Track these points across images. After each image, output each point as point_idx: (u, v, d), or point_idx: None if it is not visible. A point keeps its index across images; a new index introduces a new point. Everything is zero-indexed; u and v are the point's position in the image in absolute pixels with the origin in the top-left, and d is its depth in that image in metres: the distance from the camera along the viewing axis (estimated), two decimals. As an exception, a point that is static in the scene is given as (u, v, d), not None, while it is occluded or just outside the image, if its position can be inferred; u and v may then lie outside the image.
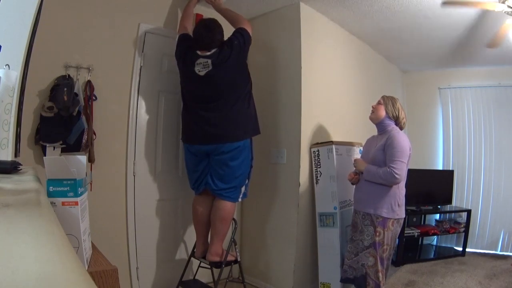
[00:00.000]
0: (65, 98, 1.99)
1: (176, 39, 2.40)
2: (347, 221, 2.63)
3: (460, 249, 3.97)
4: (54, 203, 0.77)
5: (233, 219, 2.43)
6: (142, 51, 2.48)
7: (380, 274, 2.16)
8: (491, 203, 4.13)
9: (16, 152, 1.23)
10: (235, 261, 2.41)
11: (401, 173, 2.10)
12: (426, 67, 4.47)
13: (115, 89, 2.37)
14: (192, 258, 2.54)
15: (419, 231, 3.85)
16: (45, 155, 1.96)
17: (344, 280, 2.40)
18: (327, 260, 2.61)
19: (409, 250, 3.83)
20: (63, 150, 2.04)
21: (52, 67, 2.08)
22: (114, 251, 2.19)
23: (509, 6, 2.21)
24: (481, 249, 4.10)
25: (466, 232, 3.95)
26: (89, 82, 2.19)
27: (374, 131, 2.45)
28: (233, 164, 2.26)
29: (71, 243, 0.50)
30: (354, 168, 2.40)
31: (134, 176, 2.45)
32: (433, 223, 4.24)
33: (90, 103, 2.17)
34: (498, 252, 4.03)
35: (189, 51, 2.27)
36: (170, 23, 2.64)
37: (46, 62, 2.00)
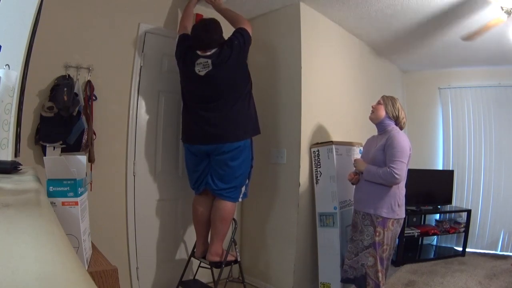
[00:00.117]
0: (65, 98, 1.99)
1: (176, 39, 2.40)
2: (347, 221, 2.63)
3: (460, 249, 3.97)
4: (54, 203, 0.77)
5: (233, 219, 2.43)
6: (142, 51, 2.48)
7: (380, 274, 2.16)
8: (491, 203, 4.13)
9: (16, 152, 1.23)
10: (235, 261, 2.41)
11: (401, 173, 2.10)
12: (426, 67, 4.47)
13: (115, 89, 2.37)
14: (192, 258, 2.54)
15: (419, 231, 3.85)
16: (45, 155, 1.96)
17: (344, 280, 2.40)
18: (327, 260, 2.61)
19: (409, 250, 3.83)
20: (63, 150, 2.04)
21: (52, 67, 2.08)
22: (114, 251, 2.19)
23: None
24: (481, 249, 4.10)
25: (466, 232, 3.95)
26: (89, 82, 2.19)
27: (374, 131, 2.45)
28: (233, 164, 2.26)
29: (71, 243, 0.50)
30: (354, 168, 2.40)
31: (134, 176, 2.45)
32: (433, 223, 4.24)
33: (90, 103, 2.17)
34: (498, 252, 4.03)
35: (189, 51, 2.27)
36: (170, 23, 2.64)
37: (46, 62, 2.00)
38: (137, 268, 2.44)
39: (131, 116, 2.43)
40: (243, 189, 2.37)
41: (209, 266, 2.37)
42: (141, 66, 2.48)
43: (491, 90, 4.20)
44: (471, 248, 4.06)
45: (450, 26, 3.00)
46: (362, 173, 2.30)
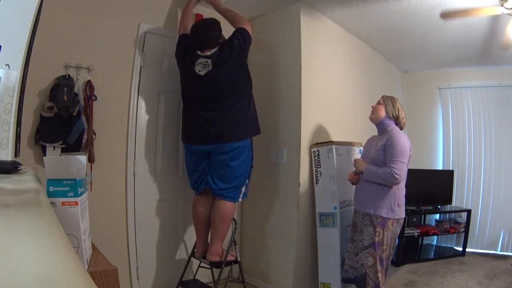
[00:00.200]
0: (65, 98, 1.99)
1: (176, 39, 2.40)
2: (347, 221, 2.63)
3: (460, 249, 3.97)
4: (54, 203, 0.77)
5: (233, 219, 2.43)
6: (142, 51, 2.48)
7: (379, 274, 2.16)
8: (491, 203, 4.13)
9: (16, 152, 1.23)
10: (235, 261, 2.41)
11: (401, 174, 2.10)
12: (426, 67, 4.47)
13: (115, 89, 2.37)
14: (192, 258, 2.54)
15: (419, 231, 3.85)
16: (45, 155, 1.96)
17: (345, 280, 2.40)
18: (327, 260, 2.61)
19: (409, 250, 3.83)
20: (63, 150, 2.04)
21: (52, 67, 2.08)
22: (114, 251, 2.19)
23: (507, 8, 2.21)
24: (481, 249, 4.10)
25: (466, 232, 3.95)
26: (89, 82, 2.19)
27: (374, 131, 2.45)
28: (234, 164, 2.26)
29: (71, 243, 0.50)
30: (354, 168, 2.40)
31: (134, 176, 2.45)
32: (433, 223, 4.24)
33: (90, 103, 2.17)
34: (498, 252, 4.03)
35: (189, 51, 2.26)
36: (170, 23, 2.64)
37: (46, 62, 2.00)
38: (137, 268, 2.44)
39: (131, 116, 2.43)
40: (243, 189, 2.37)
41: (209, 266, 2.37)
42: (141, 66, 2.48)
43: (491, 90, 4.20)
44: (471, 248, 4.06)
45: (450, 26, 3.00)
46: (362, 173, 2.30)
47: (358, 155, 2.86)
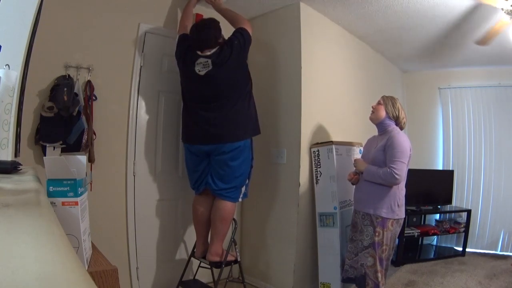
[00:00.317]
0: (65, 98, 1.99)
1: (176, 39, 2.40)
2: (347, 221, 2.63)
3: (460, 249, 3.97)
4: (54, 203, 0.77)
5: (233, 219, 2.43)
6: (142, 51, 2.48)
7: (379, 274, 2.16)
8: (491, 203, 4.13)
9: (16, 152, 1.23)
10: (235, 261, 2.41)
11: (401, 174, 2.10)
12: (426, 67, 4.47)
13: (115, 89, 2.37)
14: (192, 258, 2.54)
15: (419, 231, 3.85)
16: (45, 155, 1.96)
17: (345, 280, 2.40)
18: (327, 260, 2.61)
19: (409, 250, 3.83)
20: (63, 150, 2.04)
21: (52, 67, 2.08)
22: (114, 251, 2.19)
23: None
24: (481, 249, 4.10)
25: (466, 232, 3.95)
26: (89, 82, 2.19)
27: (374, 131, 2.45)
28: (234, 164, 2.26)
29: (71, 243, 0.50)
30: (354, 168, 2.40)
31: (134, 176, 2.45)
32: (433, 223, 4.24)
33: (90, 103, 2.17)
34: (498, 252, 4.03)
35: (189, 51, 2.26)
36: (170, 23, 2.64)
37: (46, 62, 2.00)
38: (137, 268, 2.44)
39: (131, 116, 2.44)
40: (243, 189, 2.37)
41: (209, 266, 2.37)
42: (141, 66, 2.48)
43: (491, 90, 4.20)
44: (471, 248, 4.06)
45: (451, 26, 3.00)
46: (362, 173, 2.30)
47: (358, 155, 2.86)
